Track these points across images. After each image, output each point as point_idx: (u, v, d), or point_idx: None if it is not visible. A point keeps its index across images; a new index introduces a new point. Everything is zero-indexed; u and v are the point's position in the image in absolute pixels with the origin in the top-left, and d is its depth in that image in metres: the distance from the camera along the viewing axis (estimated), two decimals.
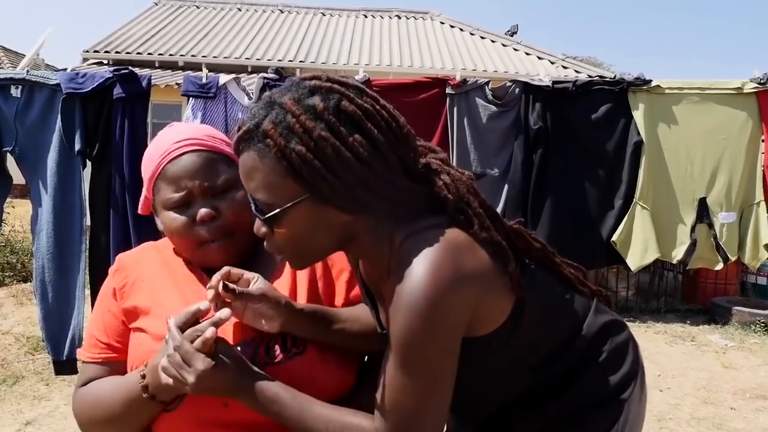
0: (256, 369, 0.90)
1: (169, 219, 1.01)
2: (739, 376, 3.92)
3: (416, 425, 0.82)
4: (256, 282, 0.97)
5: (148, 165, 1.05)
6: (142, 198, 1.13)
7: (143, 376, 0.92)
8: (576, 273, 1.02)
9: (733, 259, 3.59)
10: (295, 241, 0.85)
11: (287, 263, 1.01)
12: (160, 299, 1.01)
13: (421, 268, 0.78)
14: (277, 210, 0.82)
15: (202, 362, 0.85)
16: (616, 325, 1.02)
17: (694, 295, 5.81)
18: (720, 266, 3.62)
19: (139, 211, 1.16)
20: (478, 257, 0.83)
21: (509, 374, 0.95)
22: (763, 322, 4.95)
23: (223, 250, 1.01)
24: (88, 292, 3.16)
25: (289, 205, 0.81)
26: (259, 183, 0.82)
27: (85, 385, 1.02)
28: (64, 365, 3.11)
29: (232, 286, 0.93)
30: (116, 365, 1.03)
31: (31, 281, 5.62)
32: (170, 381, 0.87)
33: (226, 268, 0.96)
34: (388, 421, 0.83)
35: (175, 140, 1.04)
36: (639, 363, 1.02)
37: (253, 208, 0.86)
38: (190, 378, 0.85)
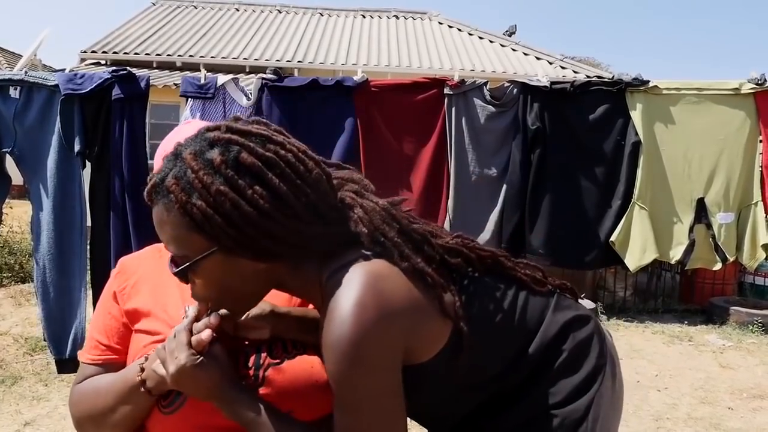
0: (242, 384, 0.89)
1: None
2: (736, 376, 3.93)
3: None
4: None
5: (158, 161, 1.05)
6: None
7: (142, 369, 0.92)
8: (532, 273, 1.00)
9: (731, 259, 3.60)
10: (216, 291, 0.86)
11: None
12: (162, 301, 1.03)
13: (343, 309, 0.77)
14: (188, 263, 0.83)
15: (186, 357, 0.85)
16: (578, 320, 1.00)
17: (691, 295, 5.83)
18: (718, 266, 3.63)
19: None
20: (403, 288, 0.82)
21: (464, 391, 0.95)
22: (760, 322, 4.96)
23: None
24: (90, 291, 3.16)
25: (198, 258, 0.82)
26: (168, 236, 0.83)
27: (81, 383, 1.03)
28: (67, 364, 3.12)
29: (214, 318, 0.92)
30: (116, 367, 1.03)
31: (29, 282, 5.62)
32: (158, 367, 0.87)
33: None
34: None
35: (177, 142, 1.06)
36: (605, 355, 1.00)
37: (169, 260, 0.88)
38: (171, 368, 0.85)
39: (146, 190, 0.85)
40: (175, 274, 0.86)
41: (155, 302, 1.03)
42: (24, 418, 3.08)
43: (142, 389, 0.91)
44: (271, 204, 0.79)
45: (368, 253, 0.84)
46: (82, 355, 1.07)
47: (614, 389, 1.00)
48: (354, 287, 0.79)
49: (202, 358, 0.85)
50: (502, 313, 0.94)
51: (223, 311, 0.91)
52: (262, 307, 0.97)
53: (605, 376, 0.97)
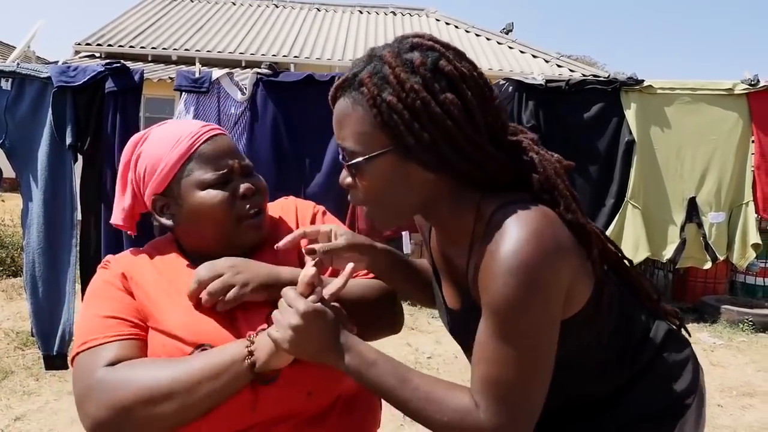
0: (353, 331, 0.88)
1: (209, 197, 0.99)
2: (726, 374, 3.96)
3: (521, 400, 0.78)
4: (336, 234, 1.00)
5: (173, 149, 1.01)
6: (127, 202, 1.07)
7: (252, 342, 0.89)
8: (647, 287, 1.00)
9: (721, 258, 3.62)
10: (376, 194, 0.86)
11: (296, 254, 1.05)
12: (168, 307, 0.97)
13: (521, 234, 0.76)
14: (361, 159, 0.83)
15: (304, 303, 0.84)
16: (678, 342, 1.00)
17: (683, 293, 5.86)
18: (708, 265, 3.65)
19: (120, 222, 1.10)
20: (569, 236, 0.82)
21: (571, 368, 0.91)
22: (751, 321, 4.99)
23: (259, 227, 1.03)
24: (78, 287, 3.15)
25: (374, 154, 0.82)
26: (348, 131, 0.84)
27: (112, 365, 0.89)
28: (55, 360, 3.10)
29: (311, 248, 0.96)
30: (145, 348, 0.93)
31: (20, 276, 5.58)
32: (271, 331, 0.85)
33: (300, 231, 1.00)
34: (490, 397, 0.78)
35: (200, 125, 1.05)
36: (698, 384, 0.98)
37: (340, 156, 0.88)
38: (294, 319, 0.83)
39: (335, 85, 0.87)
40: (347, 167, 0.86)
41: (159, 307, 0.97)
42: (14, 413, 3.07)
43: (247, 361, 0.86)
44: (460, 112, 0.81)
45: (533, 198, 0.84)
46: (96, 338, 0.92)
47: (698, 423, 0.98)
48: (531, 219, 0.78)
49: (318, 304, 0.85)
50: (622, 306, 0.94)
51: (313, 269, 0.89)
52: (362, 241, 1.01)
53: (693, 403, 0.96)
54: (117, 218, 1.11)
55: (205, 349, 0.91)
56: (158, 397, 0.85)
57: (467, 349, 0.90)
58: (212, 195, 0.99)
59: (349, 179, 0.88)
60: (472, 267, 0.84)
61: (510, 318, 0.76)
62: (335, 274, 1.12)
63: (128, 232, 1.14)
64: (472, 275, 0.85)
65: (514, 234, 0.76)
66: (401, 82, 0.80)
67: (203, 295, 0.95)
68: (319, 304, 0.86)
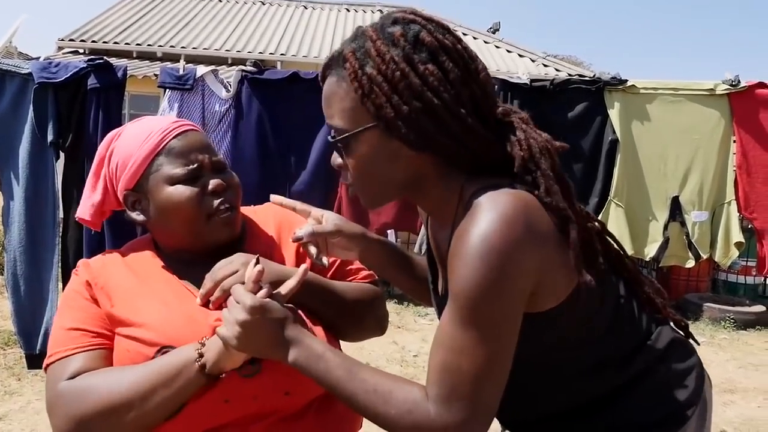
0: (302, 327, 0.87)
1: (177, 192, 0.98)
2: (708, 371, 3.99)
3: (473, 393, 0.74)
4: (327, 218, 1.01)
5: (143, 144, 1.01)
6: (97, 198, 1.07)
7: (202, 344, 0.88)
8: (650, 291, 0.96)
9: (704, 256, 3.66)
10: (361, 170, 0.86)
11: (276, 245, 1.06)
12: (136, 308, 0.96)
13: (492, 217, 0.74)
14: (346, 134, 0.83)
15: (250, 299, 0.83)
16: (682, 350, 0.96)
17: (666, 291, 5.89)
18: (691, 264, 3.69)
19: (87, 217, 1.09)
20: (547, 220, 0.79)
21: (557, 365, 0.90)
22: (732, 319, 5.06)
23: (230, 223, 1.02)
24: (61, 285, 3.11)
25: (357, 130, 0.83)
26: (335, 108, 0.84)
27: (74, 378, 0.90)
28: (37, 359, 3.06)
29: (297, 236, 0.99)
30: (110, 356, 0.94)
31: (1, 275, 5.51)
32: (220, 329, 0.84)
33: (294, 202, 1.03)
34: (442, 388, 0.75)
35: (170, 121, 1.05)
36: (701, 395, 0.94)
37: (329, 136, 0.88)
38: (240, 315, 0.82)
39: (323, 65, 0.87)
40: (332, 145, 0.87)
41: (130, 309, 0.96)
42: None
43: (197, 363, 0.86)
44: (440, 82, 0.79)
45: (514, 183, 0.81)
46: (60, 351, 0.94)
47: None
48: (502, 204, 0.75)
49: (265, 299, 0.85)
50: (617, 307, 0.90)
51: (259, 267, 0.89)
52: (353, 228, 1.02)
53: (694, 415, 0.91)
54: (84, 213, 1.10)
55: (166, 352, 0.90)
56: (114, 408, 0.86)
57: None
58: (181, 191, 0.99)
59: (339, 159, 0.89)
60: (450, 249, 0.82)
61: (472, 303, 0.74)
62: (340, 273, 1.12)
63: (93, 229, 1.13)
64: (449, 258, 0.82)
65: (484, 218, 0.74)
66: (381, 55, 0.80)
67: (217, 293, 0.94)
68: (266, 299, 0.85)
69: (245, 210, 1.15)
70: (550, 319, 0.82)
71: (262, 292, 0.86)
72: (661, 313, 0.97)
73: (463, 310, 0.74)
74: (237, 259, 0.96)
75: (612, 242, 0.93)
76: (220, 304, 0.94)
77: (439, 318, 0.96)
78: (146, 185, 1.01)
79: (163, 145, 1.01)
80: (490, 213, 0.74)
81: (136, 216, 1.04)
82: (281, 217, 1.14)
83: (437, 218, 0.93)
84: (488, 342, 0.74)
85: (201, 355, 0.87)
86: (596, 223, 0.91)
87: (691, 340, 1.02)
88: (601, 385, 0.91)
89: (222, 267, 0.96)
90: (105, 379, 0.89)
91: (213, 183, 1.00)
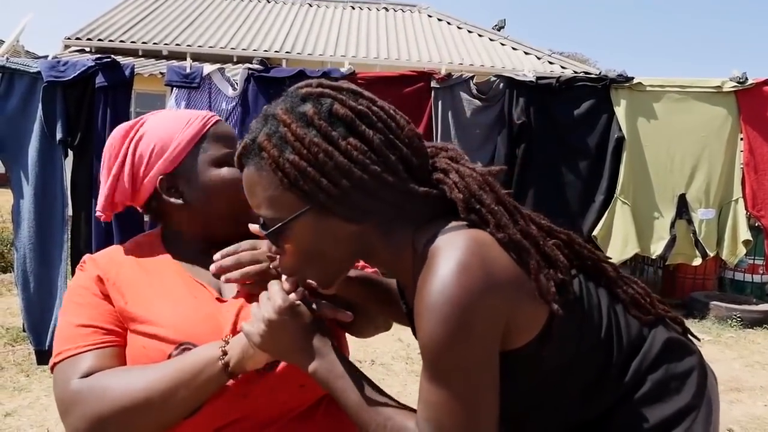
0: (329, 339, 0.86)
1: (224, 172, 1.01)
2: (714, 370, 3.97)
3: None
4: None
5: (185, 129, 1.02)
6: (110, 191, 1.05)
7: (226, 342, 0.87)
8: (634, 292, 0.92)
9: (711, 255, 3.65)
10: (306, 255, 0.82)
11: None
12: (153, 305, 0.95)
13: (447, 270, 0.71)
14: (279, 224, 0.79)
15: (282, 299, 0.82)
16: (679, 350, 0.91)
17: (672, 289, 5.90)
18: (698, 262, 3.69)
19: (104, 208, 1.08)
20: (505, 258, 0.76)
21: (539, 401, 0.87)
22: (739, 317, 5.04)
23: None
24: (70, 282, 3.14)
25: (291, 218, 0.79)
26: (260, 198, 0.80)
27: (87, 376, 0.88)
28: (47, 355, 3.10)
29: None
30: (122, 354, 0.92)
31: (10, 272, 5.55)
32: (246, 325, 0.83)
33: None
34: None
35: (204, 111, 1.07)
36: (703, 396, 0.89)
37: (258, 227, 0.85)
38: (268, 313, 0.81)
39: (236, 154, 0.83)
40: (266, 236, 0.83)
41: (144, 305, 0.94)
42: (5, 409, 3.05)
43: (221, 362, 0.85)
44: (365, 155, 0.77)
45: (464, 222, 0.79)
46: (70, 348, 0.91)
47: None
48: (457, 251, 0.72)
49: (297, 302, 0.84)
50: (599, 321, 0.86)
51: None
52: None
53: (696, 421, 0.86)
54: (104, 205, 1.09)
55: (186, 348, 0.89)
56: (134, 408, 0.85)
57: None
58: (229, 171, 1.01)
59: (274, 248, 0.84)
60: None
61: (439, 360, 0.73)
62: None
63: (103, 222, 1.13)
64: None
65: (438, 271, 0.72)
66: (299, 139, 0.76)
67: (230, 260, 0.95)
68: (298, 302, 0.84)
69: None
70: (530, 353, 0.80)
71: (294, 296, 0.85)
72: (650, 313, 0.92)
73: (433, 365, 0.74)
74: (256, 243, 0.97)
75: (584, 249, 0.89)
76: (241, 295, 0.96)
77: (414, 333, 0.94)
78: (191, 167, 1.01)
79: (207, 128, 1.03)
80: (446, 262, 0.72)
81: (174, 200, 1.02)
82: None
83: (397, 275, 0.90)
84: (463, 394, 0.73)
85: (225, 353, 0.86)
86: (562, 236, 0.88)
87: (690, 337, 0.98)
88: (598, 404, 0.87)
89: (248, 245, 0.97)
90: (124, 378, 0.87)
91: None
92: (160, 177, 1.02)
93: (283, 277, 0.87)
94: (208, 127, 1.03)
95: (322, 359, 0.83)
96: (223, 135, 1.04)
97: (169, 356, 0.89)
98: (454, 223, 0.78)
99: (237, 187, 0.93)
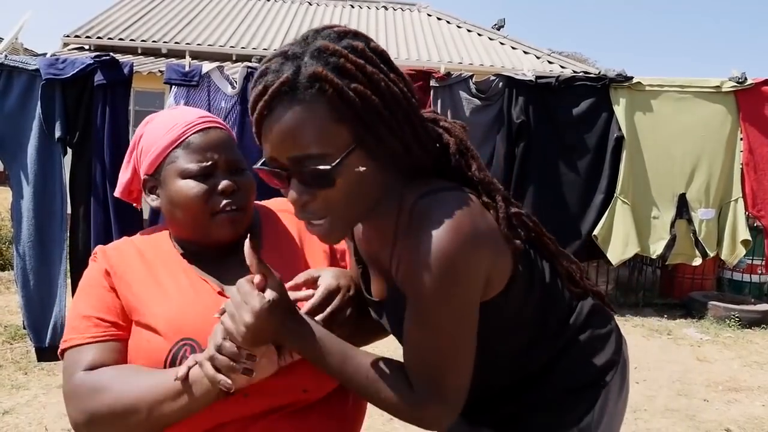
0: (301, 313, 0.88)
1: (186, 187, 0.99)
2: (712, 369, 4.00)
3: (446, 381, 0.83)
4: (317, 283, 0.99)
5: (166, 134, 1.02)
6: (126, 177, 1.10)
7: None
8: (569, 266, 1.01)
9: (711, 254, 3.66)
10: (338, 201, 0.80)
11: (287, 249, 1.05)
12: (158, 299, 0.97)
13: (441, 226, 0.77)
14: (337, 161, 0.75)
15: (259, 301, 0.81)
16: (601, 317, 1.04)
17: (671, 289, 5.91)
18: (698, 261, 3.69)
19: (119, 193, 1.14)
20: (488, 217, 0.83)
21: (498, 348, 0.94)
22: (737, 317, 5.05)
23: (234, 222, 1.00)
24: (69, 279, 3.13)
25: (344, 154, 0.76)
26: (309, 136, 0.75)
27: (91, 369, 0.91)
28: (47, 352, 3.10)
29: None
30: (124, 347, 0.95)
31: (8, 270, 5.54)
32: (226, 321, 0.83)
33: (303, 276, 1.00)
34: (419, 380, 0.84)
35: (198, 115, 1.05)
36: (621, 354, 1.04)
37: (297, 171, 0.79)
38: (248, 317, 0.81)
39: (268, 95, 0.76)
40: (317, 180, 0.77)
41: (149, 299, 0.96)
42: (2, 407, 3.05)
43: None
44: (408, 88, 0.81)
45: (452, 184, 0.85)
46: (74, 338, 0.95)
47: (621, 390, 1.03)
48: (450, 209, 0.78)
49: (271, 299, 0.83)
50: (540, 283, 0.95)
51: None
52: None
53: (616, 372, 1.01)
54: (118, 191, 1.15)
55: (186, 344, 0.91)
56: (124, 411, 0.87)
57: (399, 336, 0.92)
58: (190, 186, 0.99)
59: (306, 195, 0.79)
60: (396, 258, 0.83)
61: (431, 308, 0.80)
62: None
63: (137, 207, 1.18)
64: (396, 267, 0.84)
65: (433, 227, 0.77)
66: (360, 69, 0.75)
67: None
68: (272, 298, 0.83)
69: (269, 203, 1.16)
70: (494, 306, 0.87)
71: (269, 293, 0.84)
72: (580, 287, 1.02)
73: (424, 314, 0.81)
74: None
75: (531, 222, 0.95)
76: None
77: (374, 315, 1.00)
78: (162, 174, 1.03)
79: (183, 138, 1.02)
80: (438, 221, 0.77)
81: (151, 201, 1.06)
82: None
83: (375, 226, 0.90)
84: (451, 338, 0.82)
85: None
86: (516, 206, 0.93)
87: (606, 308, 1.09)
88: (535, 361, 0.98)
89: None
90: (119, 381, 0.90)
91: (223, 184, 1.00)
92: (144, 177, 1.06)
93: (252, 266, 0.86)
94: (187, 135, 1.02)
95: (295, 335, 0.86)
96: (201, 146, 1.01)
97: (170, 352, 0.91)
98: (443, 183, 0.84)
99: (196, 201, 0.98)
